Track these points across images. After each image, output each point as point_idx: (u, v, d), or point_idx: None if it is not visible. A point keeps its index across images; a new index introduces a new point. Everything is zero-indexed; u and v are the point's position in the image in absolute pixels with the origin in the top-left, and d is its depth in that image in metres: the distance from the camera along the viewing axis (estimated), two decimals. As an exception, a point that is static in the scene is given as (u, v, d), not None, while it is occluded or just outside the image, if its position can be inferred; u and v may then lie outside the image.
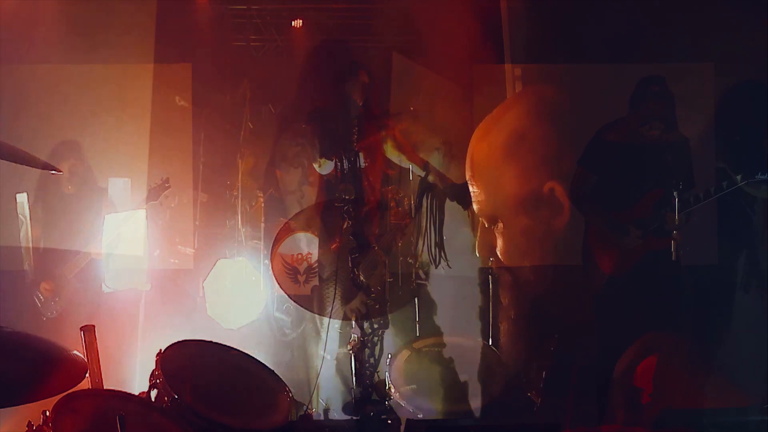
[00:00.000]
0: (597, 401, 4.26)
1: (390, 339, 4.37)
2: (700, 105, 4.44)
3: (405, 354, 4.49)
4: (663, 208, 4.14)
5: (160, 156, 5.11)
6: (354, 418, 3.80)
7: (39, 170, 4.36)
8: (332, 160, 4.22)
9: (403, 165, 4.74)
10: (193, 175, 5.65)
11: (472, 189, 4.81)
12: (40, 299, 4.58)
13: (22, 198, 4.53)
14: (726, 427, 3.66)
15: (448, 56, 4.91)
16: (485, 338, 4.75)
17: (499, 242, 4.87)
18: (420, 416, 4.07)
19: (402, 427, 3.73)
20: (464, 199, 4.69)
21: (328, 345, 4.39)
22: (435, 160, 4.73)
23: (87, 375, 2.88)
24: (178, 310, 5.07)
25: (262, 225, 5.53)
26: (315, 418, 4.16)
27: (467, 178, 4.79)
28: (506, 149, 4.77)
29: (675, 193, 4.06)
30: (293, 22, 6.01)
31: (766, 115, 4.19)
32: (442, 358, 4.56)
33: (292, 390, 3.55)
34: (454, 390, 4.31)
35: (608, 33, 4.68)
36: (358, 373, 3.84)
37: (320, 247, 4.54)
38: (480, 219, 4.96)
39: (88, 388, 3.01)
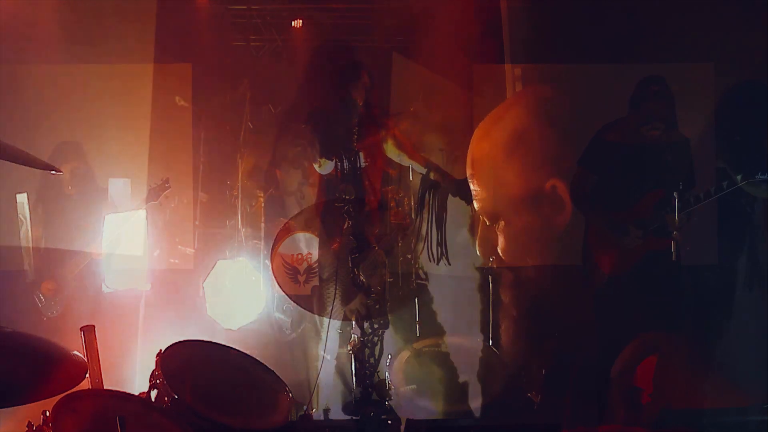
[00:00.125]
0: (597, 401, 4.27)
1: (390, 339, 4.37)
2: (700, 105, 4.44)
3: (405, 354, 4.50)
4: (663, 208, 4.14)
5: (160, 156, 5.10)
6: (354, 418, 3.80)
7: (39, 170, 4.35)
8: (332, 160, 4.22)
9: (403, 163, 4.75)
10: (193, 175, 5.65)
11: (474, 187, 4.82)
12: (40, 299, 4.58)
13: (22, 198, 4.53)
14: (726, 427, 3.67)
15: (448, 56, 4.91)
16: (485, 338, 4.75)
17: (501, 240, 4.88)
18: (420, 416, 4.07)
19: (402, 427, 3.73)
20: (467, 195, 4.70)
21: (328, 345, 4.39)
22: (438, 161, 4.74)
23: (87, 375, 2.88)
24: (178, 310, 5.06)
25: (262, 225, 5.53)
26: (315, 418, 4.16)
27: (468, 176, 4.79)
28: (508, 147, 4.77)
29: (675, 193, 4.06)
30: (293, 22, 6.01)
31: (766, 115, 4.19)
32: (442, 358, 4.57)
33: (292, 390, 3.55)
34: (454, 390, 4.31)
35: (608, 33, 4.68)
36: (358, 373, 3.84)
37: (320, 247, 4.54)
38: (481, 217, 4.96)
39: (88, 388, 3.01)
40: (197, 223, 5.70)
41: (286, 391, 3.50)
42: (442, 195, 4.48)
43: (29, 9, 4.69)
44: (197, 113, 5.60)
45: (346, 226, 3.98)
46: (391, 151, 4.57)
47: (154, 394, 3.09)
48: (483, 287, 4.91)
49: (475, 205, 4.91)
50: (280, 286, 4.80)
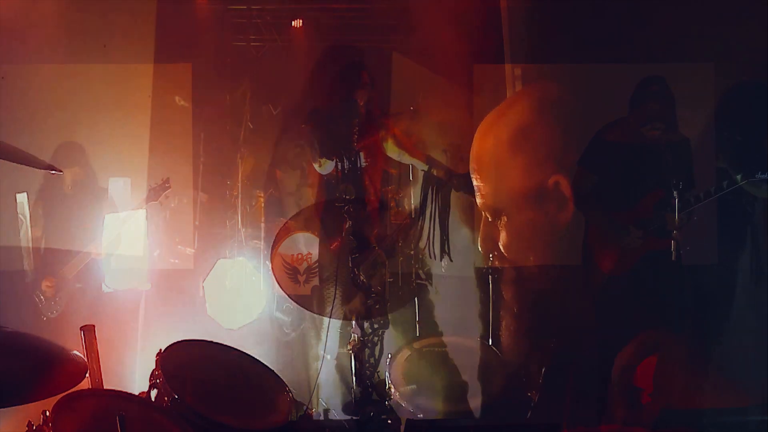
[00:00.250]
0: (597, 401, 4.26)
1: (390, 339, 4.37)
2: (700, 105, 4.43)
3: (405, 354, 4.49)
4: (663, 208, 4.14)
5: (160, 156, 5.10)
6: (354, 418, 3.80)
7: (39, 170, 4.36)
8: (333, 160, 4.21)
9: (404, 162, 4.74)
10: (193, 175, 5.65)
11: (476, 183, 4.81)
12: (40, 299, 4.58)
13: (22, 198, 4.53)
14: (726, 427, 3.66)
15: (448, 56, 4.91)
16: (485, 338, 4.75)
17: (503, 236, 4.87)
18: (420, 416, 4.07)
19: (402, 427, 3.73)
20: (470, 189, 4.70)
21: (328, 345, 4.39)
22: (441, 161, 4.73)
23: (87, 375, 2.88)
24: (178, 310, 5.06)
25: (262, 225, 5.54)
26: (315, 418, 4.16)
27: (471, 171, 4.79)
28: (511, 144, 4.77)
29: (675, 193, 4.05)
30: (293, 22, 6.01)
31: (766, 115, 4.19)
32: (442, 358, 4.56)
33: (292, 390, 3.55)
34: (454, 390, 4.31)
35: (608, 33, 4.68)
36: (358, 373, 3.84)
37: (320, 247, 4.54)
38: (483, 213, 4.96)
39: (88, 388, 3.01)
40: (197, 223, 5.70)
41: (286, 391, 3.51)
42: (445, 191, 4.48)
43: (29, 9, 4.69)
44: (197, 113, 5.60)
45: (346, 226, 3.98)
46: (392, 150, 4.57)
47: (154, 394, 3.09)
48: (483, 286, 4.91)
49: (478, 200, 4.90)
50: (280, 286, 4.80)
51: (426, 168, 4.51)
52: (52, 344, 2.82)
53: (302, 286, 4.75)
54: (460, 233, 4.86)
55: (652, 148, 4.30)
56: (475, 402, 4.27)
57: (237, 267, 5.38)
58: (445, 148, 4.78)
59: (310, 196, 4.98)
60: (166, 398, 3.03)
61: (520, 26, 5.16)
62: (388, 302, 4.33)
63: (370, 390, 3.83)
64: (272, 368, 3.63)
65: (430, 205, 4.46)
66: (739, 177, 3.96)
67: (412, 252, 4.94)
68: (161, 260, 5.34)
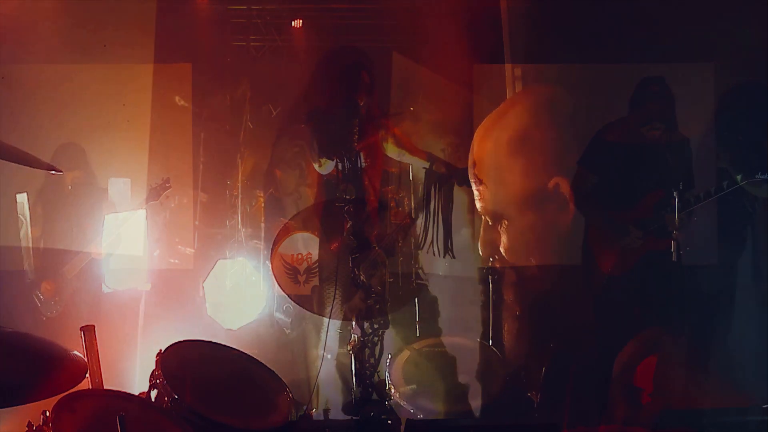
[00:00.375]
0: (597, 401, 4.26)
1: (390, 339, 4.37)
2: (700, 105, 4.44)
3: (405, 354, 4.50)
4: (663, 208, 4.14)
5: (160, 156, 5.11)
6: (354, 418, 3.79)
7: (39, 170, 4.36)
8: (333, 160, 4.21)
9: (404, 161, 4.74)
10: (193, 175, 5.65)
11: (476, 187, 4.81)
12: (40, 299, 4.58)
13: (22, 198, 4.53)
14: (726, 427, 3.66)
15: (448, 56, 4.91)
16: (485, 338, 4.75)
17: (503, 239, 4.87)
18: (420, 416, 4.07)
19: (402, 427, 3.72)
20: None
21: (328, 345, 4.39)
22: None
23: (87, 375, 2.88)
24: (178, 310, 5.06)
25: (262, 225, 5.53)
26: (315, 418, 4.16)
27: (470, 176, 4.79)
28: (510, 146, 4.77)
29: (675, 193, 4.06)
30: (293, 22, 6.01)
31: (766, 115, 4.19)
32: (442, 358, 4.56)
33: (292, 390, 3.55)
34: (454, 390, 4.31)
35: (608, 33, 4.68)
36: (358, 373, 3.84)
37: (320, 247, 4.53)
38: (483, 217, 4.96)
39: (88, 388, 3.01)
40: (197, 223, 5.70)
41: (286, 391, 3.50)
42: (448, 187, 4.47)
43: (29, 9, 4.69)
44: (197, 113, 5.60)
45: (347, 226, 3.98)
46: (392, 150, 4.56)
47: (154, 394, 3.09)
48: (483, 287, 4.91)
49: (478, 205, 4.90)
50: (280, 286, 4.80)
51: (427, 165, 4.51)
52: (52, 344, 2.82)
53: (302, 286, 4.75)
54: (460, 234, 4.86)
55: (652, 148, 4.30)
56: (475, 402, 4.27)
57: (237, 267, 5.38)
58: (443, 147, 4.78)
59: (309, 196, 4.98)
60: (166, 398, 3.03)
61: (520, 26, 5.16)
62: (388, 302, 4.32)
63: (370, 390, 3.83)
64: (272, 368, 3.63)
65: (434, 202, 4.45)
66: (739, 177, 3.96)
67: (414, 249, 4.93)
68: (161, 260, 5.34)
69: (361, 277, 3.97)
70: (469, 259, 4.97)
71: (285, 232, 4.82)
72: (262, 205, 5.63)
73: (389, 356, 4.34)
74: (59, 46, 4.71)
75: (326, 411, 4.32)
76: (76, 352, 2.85)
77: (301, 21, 5.98)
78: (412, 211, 5.09)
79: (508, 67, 5.31)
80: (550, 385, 4.37)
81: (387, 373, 4.26)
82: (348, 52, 4.66)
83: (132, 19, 4.93)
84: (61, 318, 4.59)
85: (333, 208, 4.17)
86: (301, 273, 4.76)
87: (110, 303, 4.80)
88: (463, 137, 4.93)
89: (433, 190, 4.45)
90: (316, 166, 4.34)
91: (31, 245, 4.59)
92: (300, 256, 4.76)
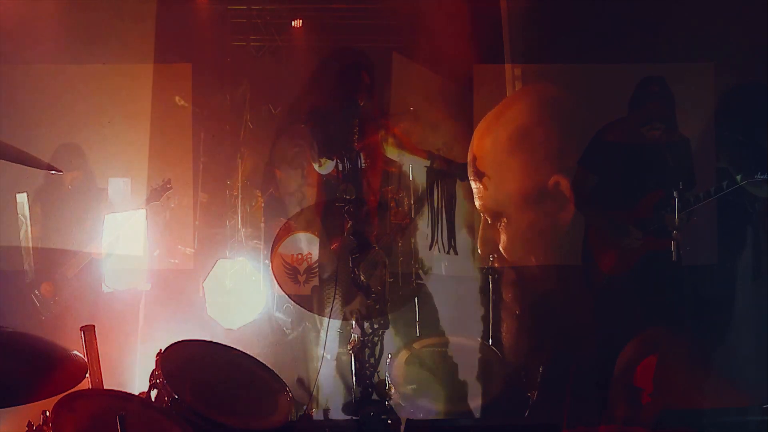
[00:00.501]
0: (597, 401, 4.26)
1: (390, 339, 4.37)
2: (700, 105, 4.44)
3: (405, 354, 4.49)
4: (663, 209, 4.14)
5: (160, 156, 5.11)
6: (354, 418, 3.80)
7: (39, 170, 4.35)
8: (333, 160, 4.21)
9: (404, 161, 4.74)
10: (193, 175, 5.65)
11: (475, 185, 4.81)
12: (40, 299, 4.58)
13: (22, 198, 4.53)
14: (726, 427, 3.66)
15: (448, 56, 4.91)
16: (485, 338, 4.75)
17: (503, 238, 4.87)
18: (420, 416, 4.07)
19: (402, 427, 3.72)
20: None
21: (328, 345, 4.39)
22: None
23: (87, 375, 2.87)
24: (178, 310, 5.06)
25: (262, 225, 5.53)
26: (315, 418, 4.16)
27: (469, 174, 4.79)
28: (510, 145, 4.78)
29: (675, 193, 4.06)
30: (293, 22, 6.01)
31: (766, 115, 4.19)
32: (442, 358, 4.56)
33: (292, 390, 3.55)
34: (454, 390, 4.31)
35: (608, 33, 4.68)
36: (358, 373, 3.84)
37: (320, 247, 4.54)
38: (482, 215, 4.96)
39: (88, 388, 3.01)
40: (197, 223, 5.70)
41: (286, 391, 3.50)
42: (450, 183, 4.48)
43: (29, 9, 4.69)
44: (197, 113, 5.60)
45: (347, 226, 3.98)
46: (392, 151, 4.57)
47: (154, 394, 3.09)
48: (483, 287, 4.91)
49: (477, 203, 4.90)
50: (280, 286, 4.80)
51: (428, 163, 4.51)
52: (52, 344, 2.82)
53: (302, 286, 4.75)
54: (460, 234, 4.87)
55: (652, 148, 4.30)
56: (474, 402, 4.27)
57: (237, 267, 5.38)
58: (443, 147, 4.79)
59: (309, 196, 4.99)
60: (166, 398, 3.03)
61: (520, 26, 5.16)
62: (388, 302, 4.33)
63: (370, 390, 3.83)
64: (272, 368, 3.63)
65: (437, 199, 4.46)
66: (739, 177, 3.95)
67: (414, 250, 4.94)
68: (161, 260, 5.33)
69: (361, 277, 3.97)
70: (469, 259, 4.98)
71: (285, 232, 4.83)
72: (262, 205, 5.63)
73: (389, 356, 4.34)
74: (59, 46, 4.71)
75: (326, 411, 4.32)
76: (76, 352, 2.85)
77: (301, 21, 5.98)
78: (412, 210, 5.09)
79: (508, 66, 5.31)
80: (550, 384, 4.38)
81: (387, 373, 4.26)
82: (348, 52, 4.66)
83: (132, 19, 4.93)
84: (61, 318, 4.59)
85: (333, 208, 4.17)
86: (301, 273, 4.77)
87: (110, 303, 4.80)
88: (463, 137, 4.93)
89: (435, 187, 4.46)
90: (316, 166, 4.35)
91: (31, 245, 4.59)
92: (300, 256, 4.77)
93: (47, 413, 2.60)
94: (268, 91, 6.05)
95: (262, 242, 5.48)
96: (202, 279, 5.32)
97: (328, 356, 4.52)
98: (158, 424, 2.93)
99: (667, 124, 4.30)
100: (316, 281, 4.62)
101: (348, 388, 4.21)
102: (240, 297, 5.25)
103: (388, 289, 4.40)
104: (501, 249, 4.88)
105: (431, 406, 4.18)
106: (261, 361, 3.65)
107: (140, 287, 5.07)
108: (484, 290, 4.90)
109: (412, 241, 5.10)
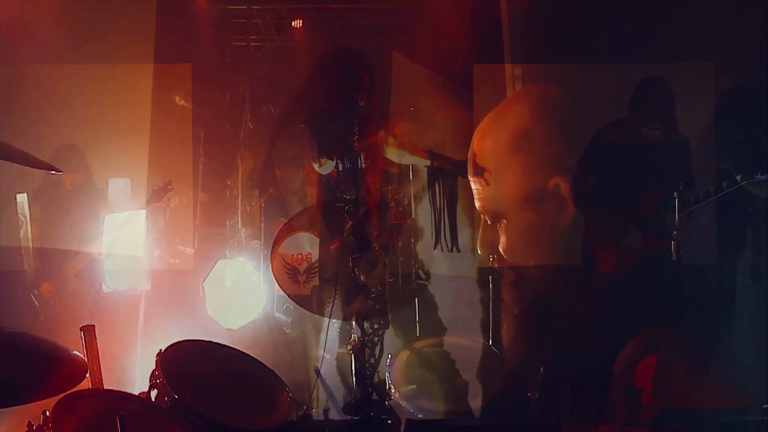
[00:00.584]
0: (597, 401, 4.26)
1: (390, 339, 4.37)
2: (700, 105, 4.44)
3: (405, 354, 4.49)
4: (663, 209, 4.14)
5: (160, 156, 5.11)
6: (354, 418, 3.80)
7: (39, 170, 4.35)
8: (333, 160, 4.21)
9: (404, 161, 4.74)
10: (193, 175, 5.65)
11: (475, 186, 4.81)
12: (39, 299, 4.57)
13: (22, 198, 4.53)
14: (726, 427, 3.66)
15: (448, 56, 4.91)
16: (485, 338, 4.75)
17: (503, 239, 4.87)
18: (420, 416, 4.07)
19: (402, 427, 3.72)
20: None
21: (328, 345, 4.39)
22: None
23: (87, 375, 2.87)
24: (178, 310, 5.06)
25: (262, 225, 5.53)
26: (315, 418, 4.16)
27: (469, 175, 4.79)
28: (510, 146, 4.78)
29: (675, 193, 4.05)
30: (293, 22, 6.02)
31: (766, 116, 4.19)
32: (442, 358, 4.56)
33: (292, 390, 3.55)
34: (454, 390, 4.31)
35: (608, 33, 4.69)
36: (358, 373, 3.84)
37: (321, 247, 4.53)
38: (482, 216, 4.96)
39: (88, 388, 3.01)
40: (197, 223, 5.70)
41: (286, 391, 3.50)
42: (451, 181, 4.48)
43: (29, 9, 4.69)
44: (197, 113, 5.61)
45: (347, 226, 3.98)
46: (392, 152, 4.56)
47: (154, 394, 3.09)
48: (483, 287, 4.91)
49: (477, 204, 4.90)
50: (280, 286, 4.80)
51: (429, 163, 4.51)
52: (52, 344, 2.82)
53: (302, 286, 4.75)
54: (460, 234, 4.86)
55: (652, 148, 4.30)
56: (475, 402, 4.27)
57: (237, 267, 5.38)
58: (443, 147, 4.78)
59: (309, 196, 4.99)
60: (166, 398, 3.03)
61: (520, 26, 5.16)
62: (388, 302, 4.33)
63: (370, 390, 3.83)
64: (272, 368, 3.63)
65: (438, 198, 4.46)
66: (739, 177, 3.95)
67: (415, 249, 4.94)
68: (161, 260, 5.34)
69: (361, 277, 3.97)
70: (469, 259, 4.98)
71: (285, 232, 4.83)
72: (262, 205, 5.63)
73: (389, 356, 4.34)
74: (59, 45, 4.72)
75: (326, 411, 4.32)
76: (76, 352, 2.85)
77: (301, 21, 5.99)
78: (412, 210, 5.09)
79: (508, 67, 5.31)
80: (550, 384, 4.37)
81: (387, 373, 4.26)
82: (348, 53, 4.65)
83: (132, 19, 4.93)
84: (61, 318, 4.59)
85: (333, 208, 4.17)
86: (301, 273, 4.77)
87: (110, 303, 4.80)
88: (463, 137, 4.93)
89: (436, 186, 4.46)
90: (316, 166, 4.34)
91: (31, 245, 4.59)
92: (300, 256, 4.76)
93: (47, 413, 2.60)
94: (268, 91, 6.05)
95: (262, 242, 5.48)
96: (202, 279, 5.32)
97: (328, 356, 4.51)
98: (158, 425, 2.93)
99: (667, 124, 4.30)
100: (316, 281, 4.62)
101: (348, 388, 4.21)
102: (240, 297, 5.25)
103: (388, 289, 4.40)
104: (501, 250, 4.88)
105: (431, 406, 4.18)
106: (261, 361, 3.65)
107: (140, 287, 5.07)
108: (483, 290, 4.90)
109: (412, 241, 5.11)
